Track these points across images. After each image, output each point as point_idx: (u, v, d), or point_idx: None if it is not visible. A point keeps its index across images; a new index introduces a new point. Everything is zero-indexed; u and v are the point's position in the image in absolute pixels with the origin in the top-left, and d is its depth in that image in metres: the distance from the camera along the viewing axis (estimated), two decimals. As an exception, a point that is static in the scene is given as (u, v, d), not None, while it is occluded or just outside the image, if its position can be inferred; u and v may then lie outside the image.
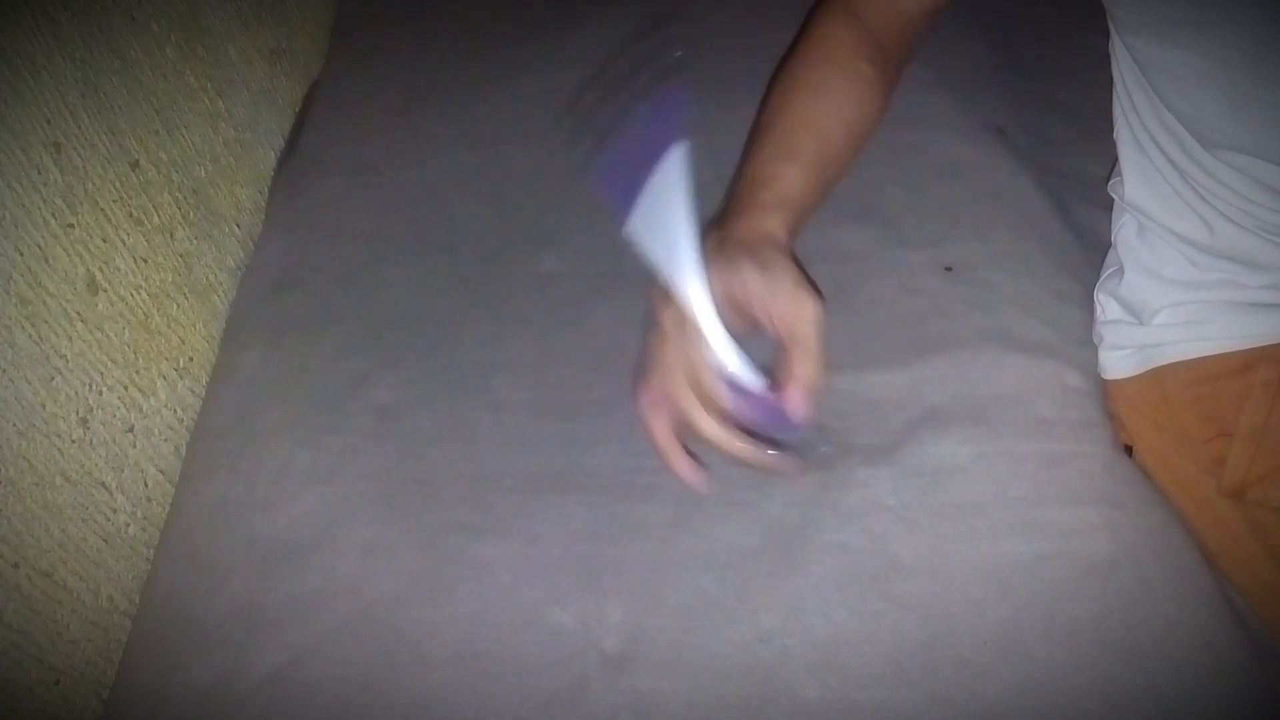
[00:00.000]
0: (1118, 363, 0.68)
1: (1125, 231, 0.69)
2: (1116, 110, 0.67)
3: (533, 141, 0.91)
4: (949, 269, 0.76)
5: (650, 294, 0.52)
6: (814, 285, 0.52)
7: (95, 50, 0.71)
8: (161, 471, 0.75)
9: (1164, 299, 0.65)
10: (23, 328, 0.62)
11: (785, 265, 0.52)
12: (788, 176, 0.60)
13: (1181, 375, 0.64)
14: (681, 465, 0.53)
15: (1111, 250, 0.72)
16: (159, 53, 0.80)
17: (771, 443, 0.51)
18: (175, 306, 0.79)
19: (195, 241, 0.83)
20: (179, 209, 0.81)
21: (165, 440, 0.76)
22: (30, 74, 0.64)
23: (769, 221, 0.56)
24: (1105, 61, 0.66)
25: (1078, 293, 0.74)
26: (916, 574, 0.60)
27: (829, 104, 0.64)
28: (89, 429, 0.67)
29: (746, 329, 0.52)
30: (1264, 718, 0.55)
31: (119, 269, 0.72)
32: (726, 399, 0.51)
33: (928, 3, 0.66)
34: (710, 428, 0.51)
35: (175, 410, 0.78)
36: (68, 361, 0.66)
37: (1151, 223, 0.66)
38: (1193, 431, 0.64)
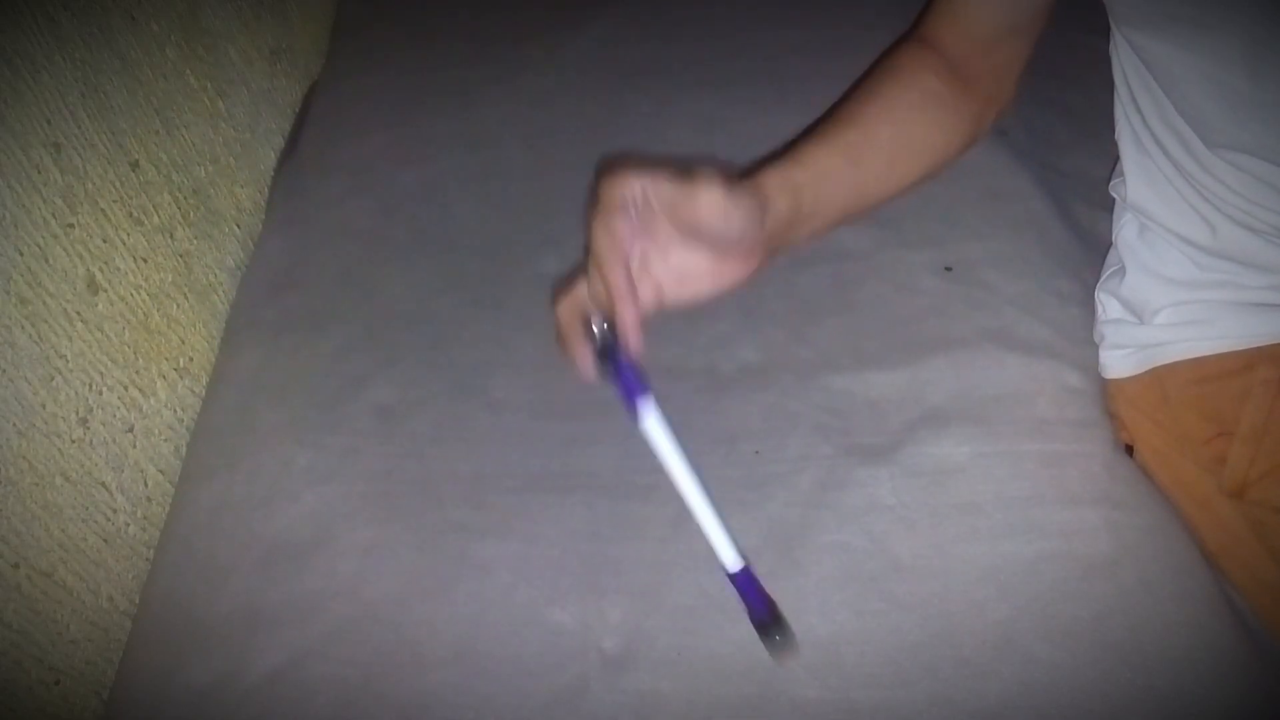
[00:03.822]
0: (1119, 362, 0.68)
1: (1127, 231, 0.69)
2: (1118, 111, 0.67)
3: (533, 141, 0.91)
4: (949, 269, 0.76)
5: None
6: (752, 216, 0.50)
7: (95, 50, 0.71)
8: (161, 471, 0.75)
9: (1165, 298, 0.65)
10: (23, 328, 0.62)
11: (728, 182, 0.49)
12: (807, 150, 0.58)
13: (1182, 374, 0.64)
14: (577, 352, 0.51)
15: (1112, 250, 0.72)
16: (159, 53, 0.80)
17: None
18: (175, 306, 0.79)
19: (195, 241, 0.83)
20: (179, 209, 0.81)
21: (165, 440, 0.76)
22: (30, 74, 0.64)
23: (763, 175, 0.54)
24: (1105, 61, 0.66)
25: (1078, 293, 0.74)
26: (916, 574, 0.60)
27: (879, 106, 0.62)
28: (89, 429, 0.67)
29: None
30: (1264, 718, 0.55)
31: (119, 269, 0.72)
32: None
33: (999, 28, 0.64)
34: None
35: (175, 410, 0.78)
36: (68, 361, 0.66)
37: (1153, 223, 0.66)
38: (1193, 431, 0.64)
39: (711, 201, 0.48)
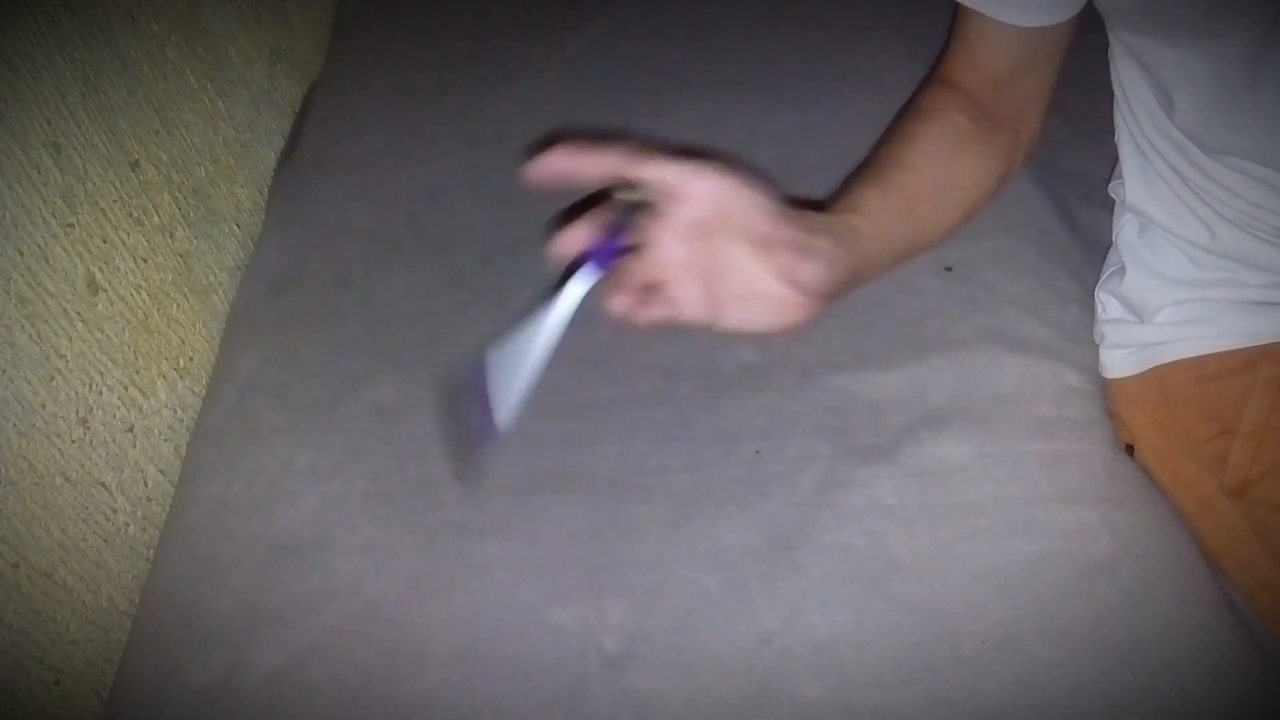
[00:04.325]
0: (1119, 361, 0.68)
1: (1126, 231, 0.69)
2: (1117, 117, 0.67)
3: (532, 142, 0.91)
4: (949, 269, 0.76)
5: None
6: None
7: (95, 50, 0.71)
8: (161, 471, 0.75)
9: (1165, 297, 0.65)
10: (23, 328, 0.62)
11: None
12: (866, 197, 0.58)
13: (1183, 374, 0.64)
14: None
15: (1113, 249, 0.72)
16: (159, 53, 0.80)
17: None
18: (175, 306, 0.79)
19: (195, 241, 0.83)
20: (179, 209, 0.81)
21: (165, 440, 0.76)
22: (30, 74, 0.64)
23: (833, 220, 0.54)
24: (1105, 62, 0.66)
25: (1078, 293, 0.74)
26: (916, 574, 0.60)
27: (923, 149, 0.62)
28: (89, 429, 0.67)
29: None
30: (1264, 718, 0.55)
31: (119, 269, 0.72)
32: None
33: (1015, 63, 0.64)
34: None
35: (175, 410, 0.78)
36: (68, 361, 0.66)
37: (1153, 224, 0.66)
38: (1194, 430, 0.64)
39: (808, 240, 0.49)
